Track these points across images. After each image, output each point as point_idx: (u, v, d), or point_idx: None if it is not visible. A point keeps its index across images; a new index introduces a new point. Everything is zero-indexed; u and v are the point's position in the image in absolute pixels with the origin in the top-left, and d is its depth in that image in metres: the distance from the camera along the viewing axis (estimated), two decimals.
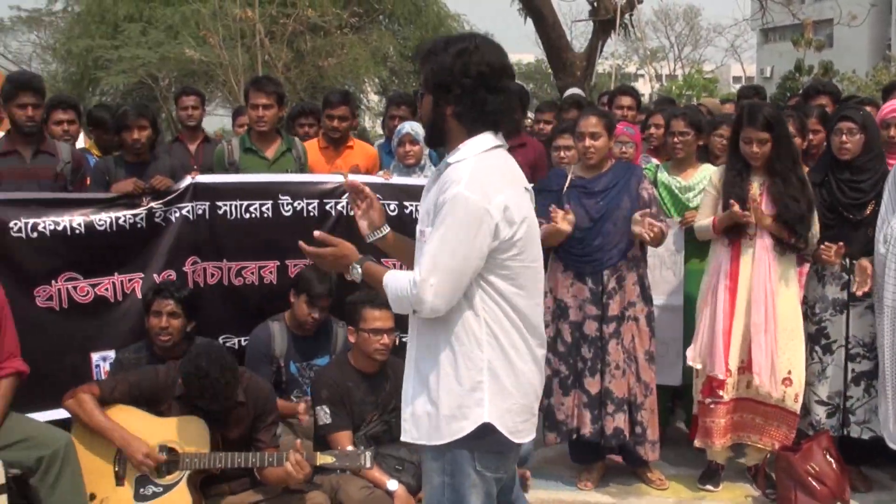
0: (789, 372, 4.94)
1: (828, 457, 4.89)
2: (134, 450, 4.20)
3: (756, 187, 4.98)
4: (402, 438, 3.09)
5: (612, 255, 4.98)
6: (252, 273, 5.46)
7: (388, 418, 4.67)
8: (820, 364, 5.13)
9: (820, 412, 5.13)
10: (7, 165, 5.26)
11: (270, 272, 5.48)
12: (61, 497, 4.06)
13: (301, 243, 3.14)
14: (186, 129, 7.50)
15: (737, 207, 4.83)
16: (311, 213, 5.51)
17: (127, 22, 20.73)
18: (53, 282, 5.02)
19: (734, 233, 4.97)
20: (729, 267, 5.01)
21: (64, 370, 4.93)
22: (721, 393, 4.99)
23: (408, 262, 3.19)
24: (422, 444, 3.03)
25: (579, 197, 5.07)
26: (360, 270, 3.04)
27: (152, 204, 5.23)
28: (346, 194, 5.54)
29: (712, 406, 5.04)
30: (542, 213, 5.07)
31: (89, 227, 5.07)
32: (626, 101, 6.94)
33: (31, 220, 4.95)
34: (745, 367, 5.00)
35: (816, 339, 5.14)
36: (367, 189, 3.29)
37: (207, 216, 5.37)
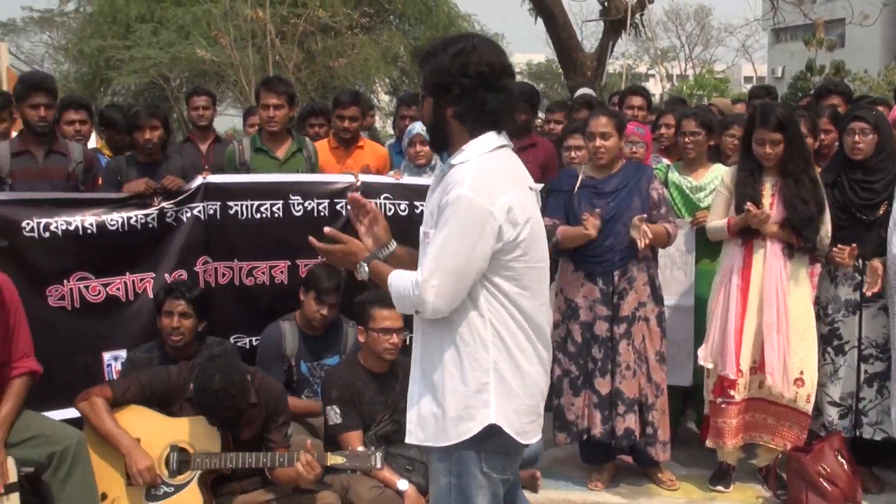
0: (801, 372, 4.92)
1: (839, 458, 4.87)
2: (134, 460, 4.20)
3: (769, 186, 4.97)
4: (408, 440, 3.09)
5: (623, 256, 4.97)
6: (263, 273, 5.47)
7: (399, 418, 4.67)
8: (832, 365, 5.11)
9: (832, 413, 5.11)
10: (19, 165, 5.28)
11: (281, 272, 5.49)
12: (73, 493, 4.07)
13: (311, 239, 3.15)
14: (197, 129, 7.52)
15: (753, 209, 4.82)
16: (322, 213, 5.52)
17: (138, 22, 20.81)
18: (65, 281, 5.04)
19: (748, 234, 4.96)
20: (741, 267, 5.00)
21: (76, 369, 4.95)
22: (732, 393, 4.98)
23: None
24: (428, 446, 3.03)
25: (590, 197, 5.06)
26: (367, 269, 3.05)
27: (164, 204, 5.24)
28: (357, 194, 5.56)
29: (723, 406, 5.02)
30: (554, 212, 5.09)
31: (101, 226, 5.09)
32: (637, 101, 6.93)
33: (44, 220, 4.98)
34: (758, 367, 4.99)
35: (829, 339, 5.13)
36: (370, 204, 3.25)
37: (218, 216, 5.39)
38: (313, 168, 5.93)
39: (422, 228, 3.02)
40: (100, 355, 5.14)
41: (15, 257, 4.87)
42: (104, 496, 4.24)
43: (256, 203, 5.43)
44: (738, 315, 4.98)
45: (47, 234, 4.98)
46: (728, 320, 5.00)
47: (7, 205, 4.96)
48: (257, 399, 4.41)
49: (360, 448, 4.37)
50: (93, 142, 7.18)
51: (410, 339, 3.22)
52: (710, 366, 5.09)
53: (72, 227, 5.03)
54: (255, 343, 5.38)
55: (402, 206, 5.53)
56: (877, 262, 4.88)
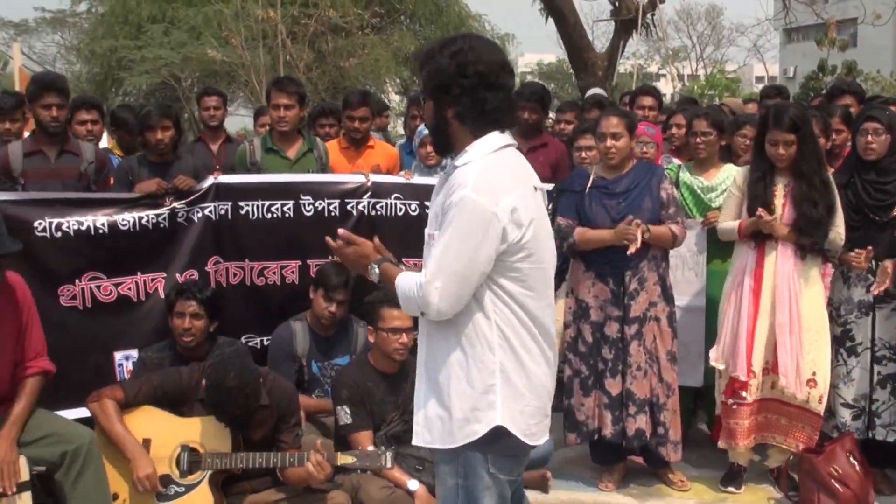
0: (814, 373, 4.91)
1: (851, 459, 4.85)
2: (139, 467, 4.20)
3: (781, 187, 4.95)
4: (414, 442, 3.09)
5: (634, 256, 4.95)
6: (274, 273, 5.49)
7: (409, 418, 4.64)
8: (845, 366, 5.09)
9: (845, 415, 5.09)
10: (32, 165, 5.30)
11: (292, 272, 5.50)
12: (84, 492, 4.08)
13: (327, 238, 3.14)
14: (209, 129, 7.55)
15: (765, 216, 4.81)
16: (333, 213, 5.53)
17: (150, 23, 20.88)
18: (77, 281, 5.06)
19: (760, 235, 4.95)
20: (753, 268, 4.98)
21: (87, 369, 4.98)
22: (744, 394, 4.97)
23: None
24: (435, 448, 3.03)
25: (601, 198, 5.05)
26: (377, 270, 3.04)
27: (175, 204, 5.26)
28: (368, 194, 5.58)
29: (735, 407, 5.01)
30: (566, 212, 5.08)
31: (113, 226, 5.10)
32: (648, 101, 6.92)
33: (56, 220, 5.00)
34: (771, 367, 4.97)
35: (842, 341, 5.11)
36: (359, 239, 3.18)
37: (230, 216, 5.40)
38: (324, 168, 5.94)
39: (426, 230, 3.02)
40: (111, 355, 5.16)
41: (27, 257, 4.87)
42: (116, 496, 4.25)
43: (267, 203, 5.44)
44: (750, 316, 4.97)
45: (59, 234, 5.00)
46: (740, 321, 4.99)
47: (19, 204, 4.98)
48: (269, 400, 4.41)
49: (371, 448, 4.38)
50: (104, 142, 7.21)
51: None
52: (722, 367, 5.08)
53: (83, 227, 5.05)
54: (266, 343, 5.39)
55: (413, 207, 5.54)
56: (889, 263, 4.86)
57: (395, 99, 25.00)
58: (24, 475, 4.00)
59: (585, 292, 5.09)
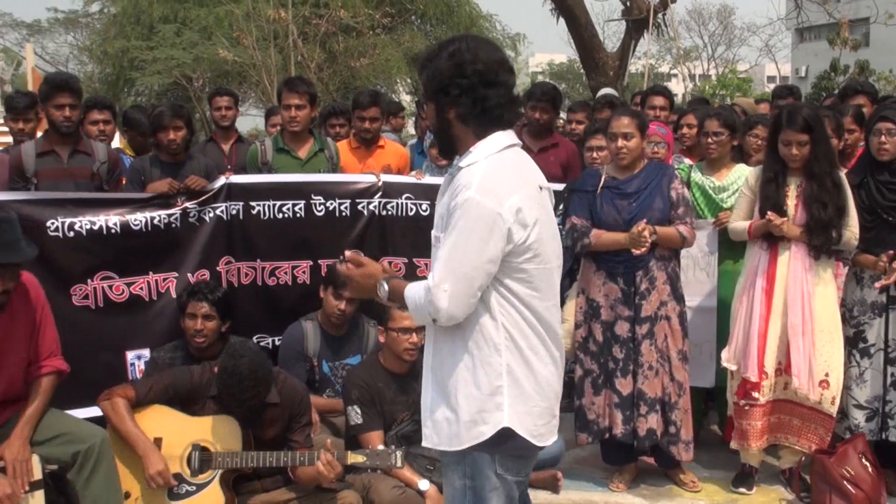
0: (826, 374, 4.89)
1: (863, 460, 4.84)
2: (150, 464, 4.21)
3: (793, 188, 4.94)
4: (424, 444, 3.08)
5: (645, 257, 4.94)
6: (285, 273, 5.50)
7: (419, 418, 4.65)
8: (858, 368, 5.07)
9: (858, 416, 5.07)
10: (45, 165, 5.32)
11: (303, 272, 5.51)
12: (96, 491, 4.10)
13: (338, 267, 3.12)
14: (220, 129, 7.56)
15: (774, 219, 4.80)
16: (344, 213, 5.54)
17: (162, 23, 20.95)
18: (89, 280, 5.08)
19: (772, 236, 4.94)
20: (766, 268, 4.97)
21: (99, 368, 4.99)
22: (756, 395, 4.95)
23: None
24: (442, 450, 3.02)
25: (612, 198, 5.05)
26: (386, 288, 3.00)
27: (187, 204, 5.28)
28: (379, 194, 5.59)
29: (748, 408, 5.00)
30: (579, 212, 5.08)
31: (125, 226, 5.12)
32: (659, 101, 6.90)
33: (68, 220, 5.01)
34: (784, 368, 4.96)
35: (854, 342, 5.09)
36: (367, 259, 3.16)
37: (241, 216, 5.42)
38: (335, 168, 5.95)
39: (433, 232, 3.00)
40: (123, 354, 5.17)
41: (40, 257, 4.87)
42: (128, 494, 4.26)
43: (279, 203, 5.45)
44: (763, 317, 4.95)
45: (72, 234, 5.02)
46: (752, 322, 4.97)
47: (32, 204, 5.00)
48: (280, 399, 4.42)
49: (381, 447, 4.38)
50: (116, 142, 7.24)
51: None
52: (734, 367, 5.07)
53: (96, 227, 5.07)
54: (277, 343, 5.40)
55: (424, 207, 5.54)
56: None
57: (405, 99, 25.03)
58: (37, 474, 4.02)
59: (596, 292, 5.09)
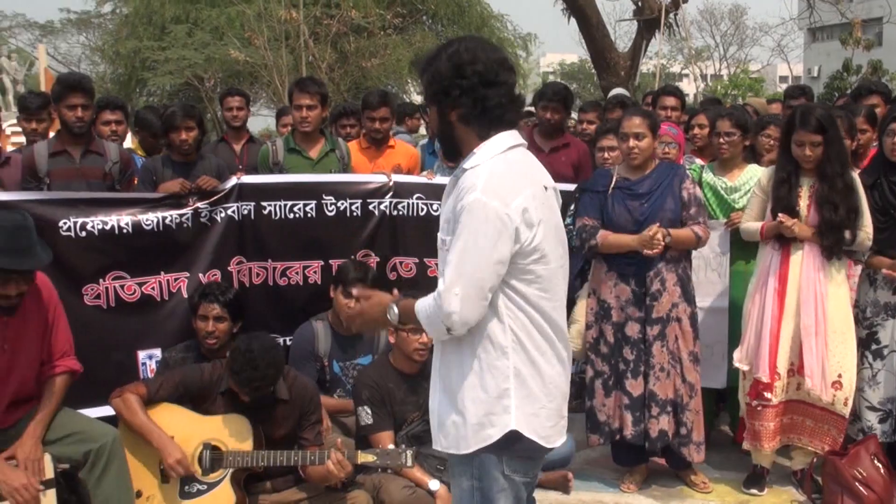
0: (839, 375, 4.87)
1: (876, 462, 4.81)
2: (168, 454, 4.22)
3: (806, 188, 4.92)
4: (433, 447, 3.09)
5: (656, 258, 4.93)
6: (297, 273, 5.51)
7: (429, 418, 4.67)
8: (870, 369, 5.05)
9: (871, 418, 5.05)
10: (57, 165, 5.34)
11: (315, 272, 5.52)
12: (108, 490, 4.11)
13: (349, 308, 3.11)
14: (231, 129, 7.58)
15: (786, 221, 4.79)
16: (355, 213, 5.54)
17: (173, 24, 21.04)
18: (101, 280, 5.09)
19: (785, 237, 4.93)
20: (778, 268, 4.95)
21: (111, 368, 5.00)
22: (769, 396, 4.94)
23: None
24: (451, 454, 3.02)
25: (623, 199, 5.04)
26: (396, 310, 2.99)
27: (198, 204, 5.29)
28: (390, 194, 5.59)
29: (760, 409, 4.98)
30: (589, 213, 5.07)
31: (136, 226, 5.13)
32: (671, 101, 6.88)
33: (80, 220, 5.03)
34: (796, 369, 4.94)
35: (867, 343, 5.07)
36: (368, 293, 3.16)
37: (252, 216, 5.42)
38: (346, 168, 5.95)
39: (439, 234, 2.98)
40: (135, 354, 5.19)
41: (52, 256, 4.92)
42: (139, 493, 4.28)
43: (290, 203, 5.46)
44: (775, 318, 4.94)
45: (84, 234, 5.04)
46: (763, 323, 4.96)
47: (45, 204, 5.01)
48: (290, 396, 4.43)
49: (391, 446, 4.38)
50: (128, 142, 7.26)
51: None
52: (746, 368, 5.05)
53: (108, 227, 5.08)
54: (288, 343, 5.41)
55: (435, 207, 5.54)
56: None
57: (416, 99, 25.07)
58: (49, 473, 4.03)
59: (608, 293, 5.08)
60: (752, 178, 5.43)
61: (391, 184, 5.62)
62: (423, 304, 2.90)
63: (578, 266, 5.51)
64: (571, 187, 5.70)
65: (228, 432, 4.32)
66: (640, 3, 14.81)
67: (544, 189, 2.97)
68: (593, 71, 20.47)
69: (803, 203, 4.92)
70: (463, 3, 23.79)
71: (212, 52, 18.88)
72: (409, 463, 4.14)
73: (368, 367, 4.95)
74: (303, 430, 4.47)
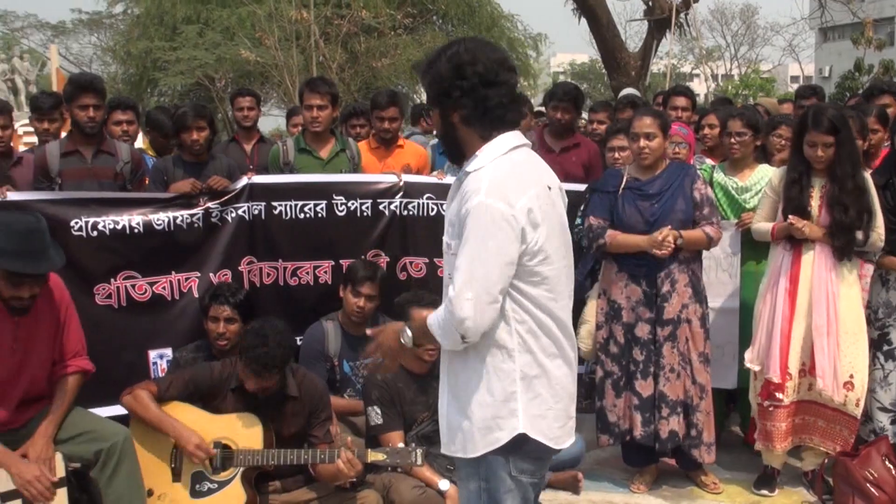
0: (851, 376, 4.85)
1: (887, 463, 4.80)
2: (186, 441, 4.24)
3: (818, 189, 4.91)
4: (442, 451, 3.09)
5: (667, 259, 4.92)
6: (307, 273, 5.52)
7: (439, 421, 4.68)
8: (882, 370, 5.04)
9: (883, 419, 5.04)
10: (69, 165, 5.35)
11: (325, 272, 5.53)
12: (119, 489, 4.12)
13: (370, 367, 3.12)
14: (242, 129, 7.60)
15: (796, 223, 4.78)
16: (365, 213, 5.55)
17: (185, 24, 21.10)
18: (112, 280, 5.11)
19: (796, 237, 4.92)
20: (790, 269, 4.94)
21: (122, 367, 5.01)
22: (780, 396, 4.93)
23: None
24: (458, 458, 3.02)
25: (634, 199, 5.03)
26: (409, 332, 2.99)
27: (209, 204, 5.30)
28: (400, 194, 5.59)
29: (772, 409, 4.97)
30: (599, 213, 5.06)
31: (147, 226, 5.15)
32: (681, 101, 6.87)
33: (92, 219, 5.05)
34: (808, 369, 4.93)
35: (879, 344, 5.05)
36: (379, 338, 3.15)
37: (263, 216, 5.44)
38: (356, 168, 5.96)
39: (444, 238, 2.98)
40: (145, 353, 5.20)
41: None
42: (150, 492, 4.29)
43: (300, 203, 5.47)
44: (786, 318, 4.92)
45: (95, 234, 5.06)
46: (774, 323, 4.94)
47: (56, 204, 5.03)
48: (299, 393, 4.44)
49: (401, 445, 4.39)
50: (139, 142, 7.28)
51: None
52: (757, 368, 5.04)
53: (119, 227, 5.10)
54: (298, 343, 5.41)
55: (445, 207, 5.54)
56: None
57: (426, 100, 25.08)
58: (60, 472, 4.05)
59: (618, 293, 5.07)
60: (763, 178, 5.42)
61: (401, 184, 5.63)
62: (434, 317, 2.88)
63: (589, 266, 5.51)
64: (582, 187, 5.69)
65: (239, 431, 4.33)
66: (650, 3, 14.79)
67: (548, 189, 2.96)
68: (604, 71, 20.45)
69: (815, 203, 4.91)
70: (473, 3, 23.79)
71: (223, 52, 18.93)
72: (419, 461, 4.14)
73: None
74: (312, 428, 4.48)
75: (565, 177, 6.02)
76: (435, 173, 5.95)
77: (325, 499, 4.47)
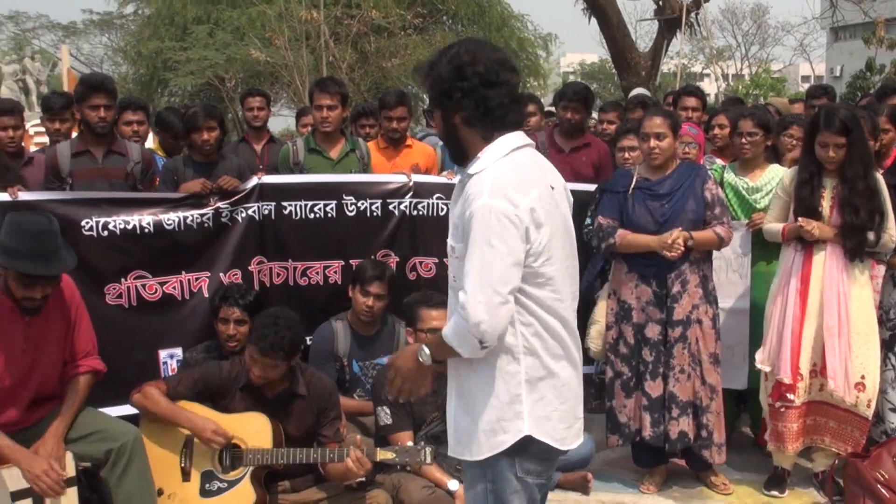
0: (862, 377, 4.84)
1: None
2: (202, 429, 4.26)
3: (829, 189, 4.89)
4: (449, 453, 3.09)
5: (677, 260, 4.91)
6: (317, 273, 5.52)
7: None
8: (893, 371, 5.03)
9: (894, 420, 5.03)
10: (79, 165, 5.37)
11: (335, 272, 5.53)
12: (129, 489, 4.14)
13: (389, 376, 3.10)
14: (252, 129, 7.61)
15: (805, 225, 4.78)
16: (375, 213, 5.55)
17: (195, 24, 21.13)
18: (123, 280, 5.13)
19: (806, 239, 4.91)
20: (801, 269, 4.93)
21: (132, 367, 5.02)
22: (791, 397, 4.91)
23: None
24: (465, 460, 3.02)
25: (644, 199, 5.02)
26: (427, 350, 2.96)
27: (219, 204, 5.31)
28: (410, 194, 5.60)
29: (783, 410, 4.95)
30: (609, 212, 5.06)
31: (158, 226, 5.17)
32: (692, 101, 6.85)
33: (102, 219, 5.06)
34: (819, 370, 4.91)
35: (890, 345, 5.04)
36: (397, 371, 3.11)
37: (273, 216, 5.44)
38: (366, 168, 5.97)
39: (448, 241, 2.97)
40: (156, 353, 5.22)
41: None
42: (160, 491, 4.30)
43: (310, 203, 5.48)
44: (797, 319, 4.91)
45: (105, 233, 5.07)
46: (785, 324, 4.93)
47: (67, 204, 5.05)
48: (308, 392, 4.45)
49: (409, 443, 4.39)
50: (149, 142, 7.30)
51: None
52: (768, 369, 5.03)
53: (130, 227, 5.12)
54: (308, 342, 5.42)
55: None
56: None
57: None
58: (71, 471, 4.06)
59: (628, 294, 5.06)
60: (774, 178, 5.41)
61: (411, 184, 5.63)
62: (448, 327, 2.86)
63: (599, 266, 5.51)
64: (592, 187, 5.68)
65: (248, 430, 4.34)
66: (661, 3, 14.76)
67: (551, 189, 2.95)
68: (614, 71, 20.40)
69: (826, 204, 4.89)
70: (483, 3, 23.76)
71: (233, 52, 18.95)
72: (428, 460, 4.13)
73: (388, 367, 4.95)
74: (322, 427, 4.48)
75: (575, 177, 6.04)
76: (445, 173, 5.95)
77: (335, 499, 4.48)
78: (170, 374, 5.11)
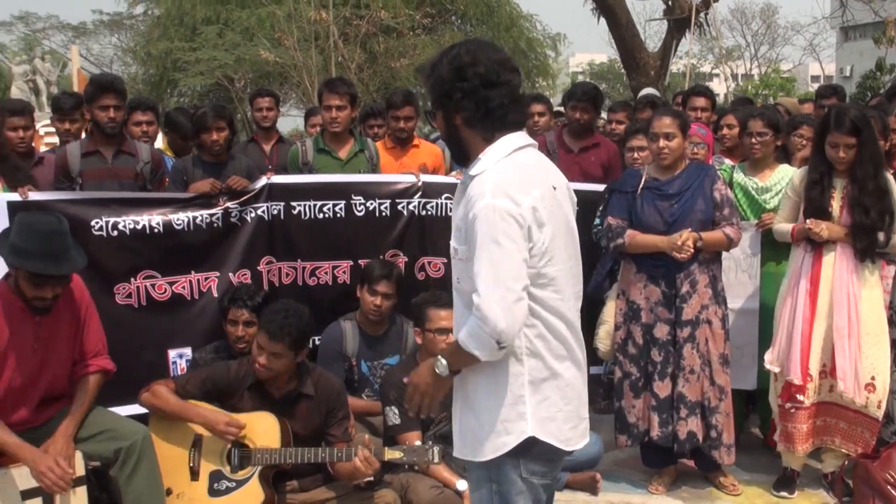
0: (872, 378, 4.82)
1: None
2: (215, 422, 4.26)
3: (839, 189, 4.88)
4: (454, 454, 3.09)
5: (686, 260, 4.91)
6: (326, 273, 5.53)
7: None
8: None
9: None
10: (89, 165, 5.39)
11: (344, 272, 5.54)
12: (138, 488, 4.15)
13: (409, 390, 3.09)
14: (261, 129, 7.61)
15: (815, 227, 4.76)
16: (384, 213, 5.56)
17: (204, 24, 21.18)
18: (132, 279, 5.14)
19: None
20: (810, 270, 4.91)
21: (141, 366, 5.02)
22: (801, 398, 4.90)
23: None
24: (469, 461, 3.02)
25: (653, 199, 5.01)
26: (443, 361, 2.95)
27: (228, 204, 5.32)
28: (419, 194, 5.60)
29: (793, 411, 4.94)
30: (618, 213, 5.05)
31: (167, 226, 5.18)
32: (701, 102, 6.84)
33: (112, 219, 5.08)
34: (829, 371, 4.90)
35: None
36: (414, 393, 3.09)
37: (282, 216, 5.45)
38: (375, 168, 5.97)
39: (451, 242, 2.96)
40: (165, 353, 5.23)
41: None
42: (169, 491, 4.31)
43: (319, 203, 5.48)
44: (806, 319, 4.89)
45: (115, 233, 5.09)
46: (795, 324, 4.92)
47: (77, 204, 5.06)
48: (315, 392, 4.45)
49: (418, 442, 4.39)
50: (158, 142, 7.31)
51: None
52: (777, 370, 5.01)
53: (139, 227, 5.13)
54: (317, 343, 5.42)
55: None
56: None
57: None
58: (80, 470, 4.07)
59: (637, 294, 5.06)
60: (784, 178, 5.39)
61: (420, 184, 5.63)
62: (463, 332, 2.83)
63: (608, 266, 5.50)
64: (601, 187, 5.68)
65: (257, 429, 4.34)
66: (670, 3, 14.72)
67: (553, 189, 2.94)
68: (623, 71, 20.39)
69: (836, 205, 4.88)
70: (492, 4, 23.76)
71: (242, 52, 19.00)
72: (436, 459, 4.13)
73: (396, 368, 4.96)
74: (330, 427, 4.48)
75: (584, 177, 6.04)
76: (453, 173, 5.95)
77: (344, 498, 4.48)
78: (179, 373, 5.12)
